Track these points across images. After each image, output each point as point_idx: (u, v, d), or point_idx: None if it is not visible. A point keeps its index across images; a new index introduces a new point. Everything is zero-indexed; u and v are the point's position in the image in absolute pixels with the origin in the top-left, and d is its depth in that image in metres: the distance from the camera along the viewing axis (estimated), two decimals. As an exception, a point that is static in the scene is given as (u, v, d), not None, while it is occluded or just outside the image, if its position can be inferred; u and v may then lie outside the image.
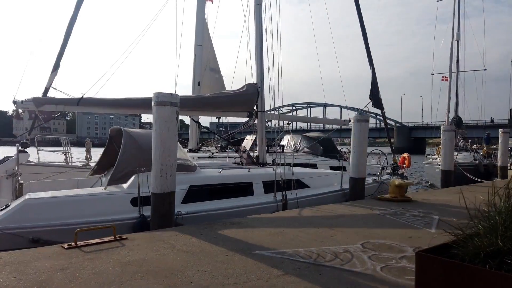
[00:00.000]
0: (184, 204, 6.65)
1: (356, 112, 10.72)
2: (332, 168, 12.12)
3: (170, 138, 5.73)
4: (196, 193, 7.00)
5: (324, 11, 15.34)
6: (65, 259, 3.89)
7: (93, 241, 4.49)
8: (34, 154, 9.99)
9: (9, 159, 7.51)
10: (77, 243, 4.36)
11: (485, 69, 29.03)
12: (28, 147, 8.74)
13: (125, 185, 6.41)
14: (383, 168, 11.80)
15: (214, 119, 20.92)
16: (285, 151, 13.52)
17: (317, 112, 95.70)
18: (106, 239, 4.59)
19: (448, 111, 23.63)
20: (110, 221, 5.34)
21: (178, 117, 6.02)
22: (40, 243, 4.93)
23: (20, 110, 8.52)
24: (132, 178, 6.35)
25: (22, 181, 7.04)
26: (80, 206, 5.93)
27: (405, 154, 14.02)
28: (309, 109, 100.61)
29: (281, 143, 15.29)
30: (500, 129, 15.17)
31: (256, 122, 10.38)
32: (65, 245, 4.31)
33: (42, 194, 6.13)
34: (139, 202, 5.94)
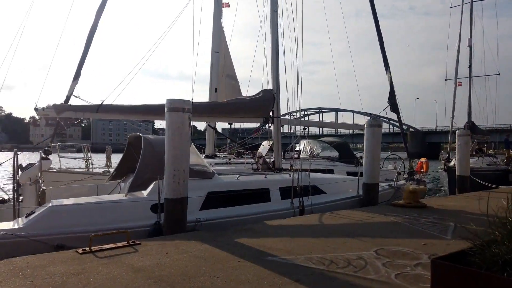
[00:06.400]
0: (203, 211, 6.67)
1: (369, 117, 10.62)
2: (349, 173, 11.94)
3: (182, 144, 5.77)
4: (214, 200, 7.00)
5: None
6: (79, 264, 3.93)
7: (106, 246, 4.54)
8: (56, 160, 10.14)
9: (32, 166, 7.59)
10: (91, 248, 4.40)
11: (499, 74, 28.44)
12: (51, 153, 8.82)
13: (145, 192, 6.47)
14: (399, 173, 11.61)
15: (226, 124, 20.98)
16: (301, 156, 13.42)
17: (329, 117, 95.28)
18: (120, 244, 4.63)
19: (453, 116, 23.56)
20: (131, 227, 5.38)
21: (191, 123, 6.05)
22: (65, 250, 4.99)
23: (37, 117, 8.64)
24: (152, 185, 6.42)
25: (44, 188, 7.10)
26: (103, 212, 5.98)
27: (423, 159, 13.81)
28: (321, 114, 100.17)
29: (297, 149, 15.18)
30: None
31: (271, 127, 10.34)
32: (80, 250, 4.36)
33: (66, 201, 6.20)
34: (159, 209, 5.99)
